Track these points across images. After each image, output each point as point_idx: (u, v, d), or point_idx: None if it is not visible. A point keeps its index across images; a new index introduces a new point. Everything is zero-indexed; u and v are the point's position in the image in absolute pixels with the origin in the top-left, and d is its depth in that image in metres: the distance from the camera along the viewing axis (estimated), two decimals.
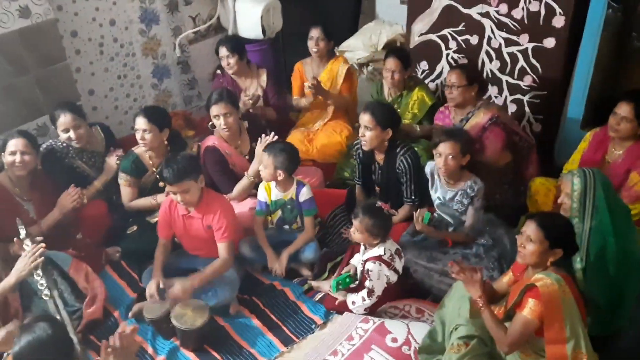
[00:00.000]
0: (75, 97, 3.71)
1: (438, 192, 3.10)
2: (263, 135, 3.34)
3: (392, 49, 4.12)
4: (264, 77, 4.04)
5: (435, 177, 3.11)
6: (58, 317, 2.56)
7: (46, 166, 3.28)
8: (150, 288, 2.88)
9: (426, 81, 4.13)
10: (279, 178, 3.09)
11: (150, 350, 2.81)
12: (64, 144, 3.32)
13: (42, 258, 2.58)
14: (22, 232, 2.67)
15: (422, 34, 4.08)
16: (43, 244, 2.62)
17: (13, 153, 2.99)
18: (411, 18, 4.09)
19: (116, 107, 4.30)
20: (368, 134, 3.13)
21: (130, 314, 2.97)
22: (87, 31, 3.92)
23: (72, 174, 3.32)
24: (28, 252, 2.57)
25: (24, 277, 2.58)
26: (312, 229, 3.20)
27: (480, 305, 2.29)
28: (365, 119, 3.12)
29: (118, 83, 4.25)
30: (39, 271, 2.60)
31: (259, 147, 3.29)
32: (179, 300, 2.80)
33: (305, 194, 3.15)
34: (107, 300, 3.02)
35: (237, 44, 3.94)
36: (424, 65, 4.18)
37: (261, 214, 3.23)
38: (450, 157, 2.90)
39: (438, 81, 4.13)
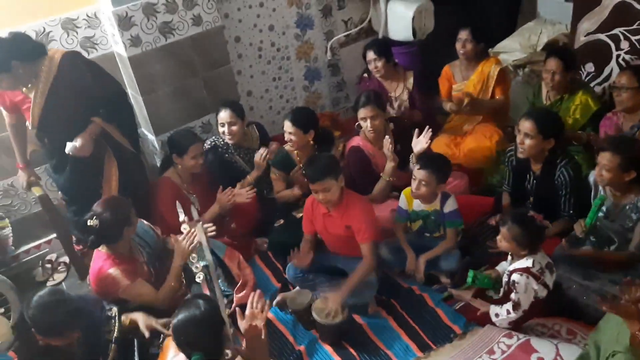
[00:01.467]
0: (236, 97, 4.00)
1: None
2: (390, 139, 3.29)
3: (554, 48, 3.86)
4: (410, 80, 4.01)
5: (600, 187, 2.84)
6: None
7: (209, 161, 3.58)
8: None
9: (591, 85, 3.79)
10: (438, 196, 3.04)
11: (291, 338, 2.94)
12: (224, 141, 3.61)
13: (197, 242, 2.76)
14: (181, 217, 2.88)
15: (589, 34, 3.75)
16: (209, 229, 2.85)
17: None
18: (577, 16, 3.78)
19: (270, 107, 4.57)
20: (528, 142, 2.96)
21: (274, 302, 3.11)
22: (249, 36, 4.22)
23: (231, 168, 3.61)
24: (185, 235, 2.77)
25: (185, 258, 2.81)
26: (454, 239, 3.09)
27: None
28: (526, 126, 2.94)
29: (273, 85, 4.51)
30: (195, 255, 2.81)
31: (390, 146, 3.26)
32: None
33: (450, 205, 3.05)
34: (254, 287, 3.21)
35: (384, 48, 3.96)
36: (589, 67, 3.84)
37: (400, 220, 3.19)
38: (605, 169, 2.63)
39: (606, 84, 3.77)
